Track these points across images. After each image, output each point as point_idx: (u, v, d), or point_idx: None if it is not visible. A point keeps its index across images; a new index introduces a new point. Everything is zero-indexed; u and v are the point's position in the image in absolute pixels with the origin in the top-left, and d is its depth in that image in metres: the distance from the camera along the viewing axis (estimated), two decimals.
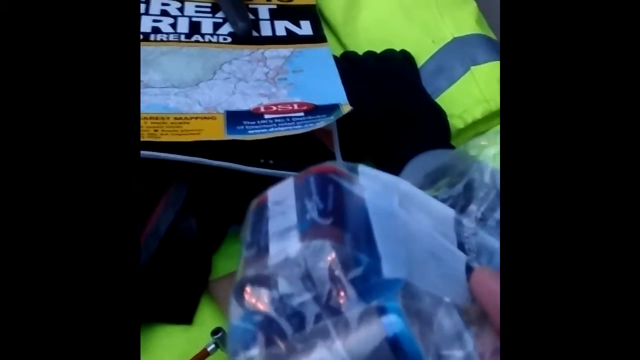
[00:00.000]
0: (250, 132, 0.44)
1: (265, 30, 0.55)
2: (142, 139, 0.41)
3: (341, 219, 0.27)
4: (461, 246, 0.29)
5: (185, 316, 0.46)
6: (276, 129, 0.44)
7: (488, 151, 0.39)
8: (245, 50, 0.52)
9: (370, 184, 0.30)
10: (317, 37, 0.55)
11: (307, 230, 0.27)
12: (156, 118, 0.44)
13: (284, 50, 0.53)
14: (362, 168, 0.31)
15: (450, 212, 0.31)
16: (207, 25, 0.54)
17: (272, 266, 0.27)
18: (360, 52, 0.55)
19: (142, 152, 0.40)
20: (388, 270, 0.26)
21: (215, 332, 0.44)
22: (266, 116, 0.45)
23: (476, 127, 0.53)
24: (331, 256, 0.26)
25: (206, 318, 0.46)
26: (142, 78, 0.47)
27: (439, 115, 0.51)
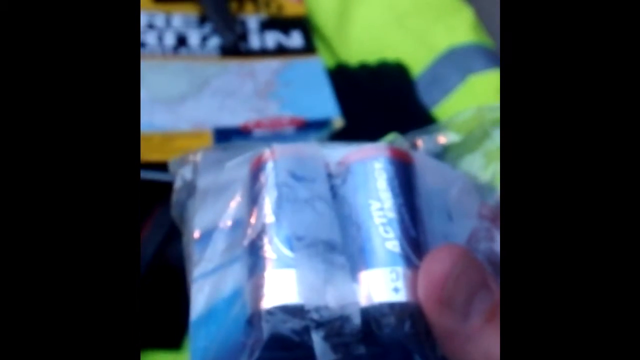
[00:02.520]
0: None
1: (255, 42, 0.53)
2: None
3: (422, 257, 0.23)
4: None
5: (173, 341, 0.45)
6: None
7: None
8: (234, 63, 0.50)
9: (431, 180, 0.25)
10: (308, 48, 0.53)
11: (401, 274, 0.22)
12: (141, 137, 0.42)
13: (274, 63, 0.51)
14: (418, 156, 0.26)
15: None
16: (194, 38, 0.52)
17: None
18: (353, 62, 0.53)
19: None
20: None
21: None
22: (255, 132, 0.44)
23: None
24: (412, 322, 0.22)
25: None
26: None
27: None
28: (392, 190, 0.24)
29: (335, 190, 0.25)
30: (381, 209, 0.23)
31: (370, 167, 0.24)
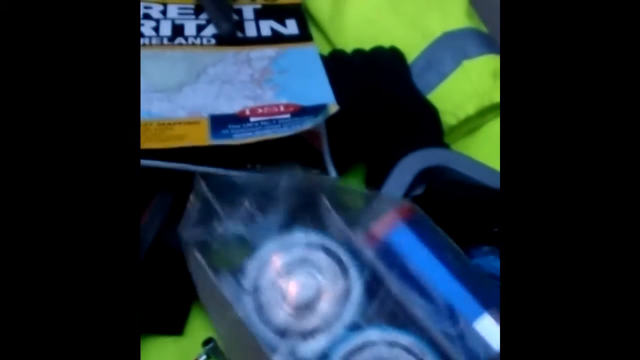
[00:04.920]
0: (235, 136, 0.42)
1: (250, 30, 0.53)
2: None
3: None
4: None
5: (175, 327, 0.45)
6: (262, 132, 0.43)
7: None
8: (230, 52, 0.51)
9: None
10: (303, 36, 0.54)
11: None
12: None
13: (270, 51, 0.51)
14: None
15: None
16: (190, 28, 0.52)
17: None
18: (349, 50, 0.53)
19: None
20: None
21: (206, 342, 0.43)
22: (252, 119, 0.44)
23: (469, 124, 0.52)
24: None
25: (197, 328, 0.45)
26: None
27: (431, 113, 0.49)
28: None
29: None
30: None
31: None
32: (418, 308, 0.23)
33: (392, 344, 0.22)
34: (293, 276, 0.25)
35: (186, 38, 0.51)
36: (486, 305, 0.24)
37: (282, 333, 0.24)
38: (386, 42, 0.53)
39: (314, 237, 0.26)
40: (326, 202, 0.27)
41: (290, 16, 0.55)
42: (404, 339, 0.23)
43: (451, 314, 0.24)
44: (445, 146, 0.49)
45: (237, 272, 0.26)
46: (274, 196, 0.27)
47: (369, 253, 0.25)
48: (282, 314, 0.24)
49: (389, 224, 0.27)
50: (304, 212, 0.28)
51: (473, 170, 0.43)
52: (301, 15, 0.56)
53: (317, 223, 0.27)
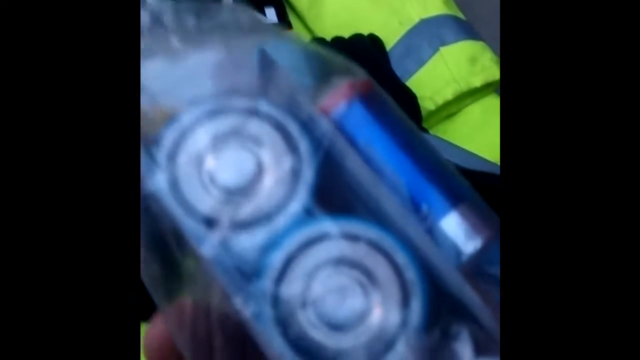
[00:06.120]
0: None
1: None
2: None
3: None
4: None
5: None
6: None
7: None
8: None
9: None
10: (283, 25, 0.54)
11: None
12: None
13: None
14: None
15: None
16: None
17: None
18: (328, 38, 0.54)
19: None
20: None
21: None
22: None
23: (447, 109, 0.53)
24: None
25: None
26: None
27: (409, 99, 0.50)
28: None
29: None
30: None
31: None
32: (383, 197, 0.18)
33: (354, 238, 0.18)
34: (224, 151, 0.19)
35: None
36: (454, 201, 0.19)
37: (210, 223, 0.18)
38: (365, 30, 0.54)
39: (254, 102, 0.19)
40: (272, 55, 0.20)
41: (269, 5, 0.55)
42: (369, 231, 0.18)
43: (416, 208, 0.19)
44: (424, 131, 0.50)
45: (150, 143, 0.19)
46: (208, 31, 0.20)
47: (325, 125, 0.19)
48: (208, 200, 0.18)
49: (339, 100, 0.20)
50: None
51: (451, 153, 0.44)
52: (280, 3, 0.56)
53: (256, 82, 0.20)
